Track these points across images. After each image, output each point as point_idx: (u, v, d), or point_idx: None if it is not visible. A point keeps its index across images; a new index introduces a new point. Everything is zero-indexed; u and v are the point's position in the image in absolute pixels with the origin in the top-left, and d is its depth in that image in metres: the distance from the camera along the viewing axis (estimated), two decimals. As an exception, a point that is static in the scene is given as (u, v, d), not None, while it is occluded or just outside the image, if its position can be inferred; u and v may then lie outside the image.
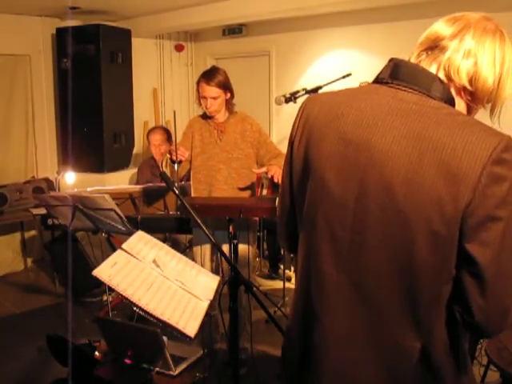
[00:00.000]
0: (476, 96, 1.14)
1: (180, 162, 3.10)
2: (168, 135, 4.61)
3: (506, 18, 3.84)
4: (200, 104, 3.23)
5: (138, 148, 5.61)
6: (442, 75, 1.14)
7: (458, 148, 1.01)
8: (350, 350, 1.19)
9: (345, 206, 1.12)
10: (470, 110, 1.18)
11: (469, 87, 1.12)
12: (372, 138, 1.09)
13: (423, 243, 1.04)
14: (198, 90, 3.22)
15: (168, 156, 3.17)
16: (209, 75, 3.17)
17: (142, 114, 5.84)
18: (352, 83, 4.47)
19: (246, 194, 3.26)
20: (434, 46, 1.18)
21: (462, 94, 1.15)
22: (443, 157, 1.01)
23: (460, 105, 1.16)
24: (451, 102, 1.12)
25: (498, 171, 0.99)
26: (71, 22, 5.09)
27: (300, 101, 3.25)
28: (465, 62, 1.11)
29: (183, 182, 3.76)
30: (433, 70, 1.15)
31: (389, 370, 1.16)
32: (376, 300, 1.13)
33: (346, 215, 1.12)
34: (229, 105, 3.25)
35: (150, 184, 3.85)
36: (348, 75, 3.43)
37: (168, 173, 3.26)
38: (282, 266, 4.94)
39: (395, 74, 1.17)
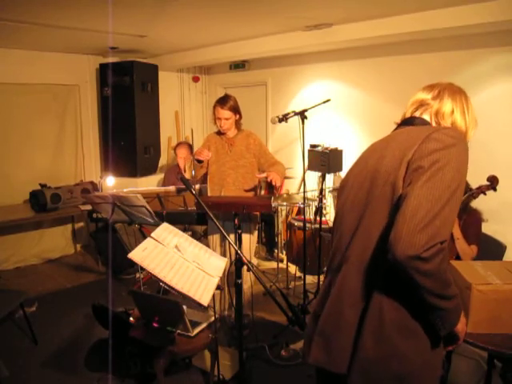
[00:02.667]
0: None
1: (202, 162, 3.19)
2: (191, 150, 4.61)
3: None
4: (215, 123, 3.25)
5: (163, 158, 5.60)
6: (433, 121, 1.40)
7: (413, 138, 1.27)
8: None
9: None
10: None
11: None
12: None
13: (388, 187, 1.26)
14: (214, 113, 3.24)
15: (195, 157, 3.17)
16: (223, 101, 3.18)
17: (167, 131, 5.82)
18: (330, 107, 4.47)
19: (250, 193, 3.27)
20: (421, 106, 1.42)
21: None
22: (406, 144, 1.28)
23: None
24: None
25: (427, 141, 1.22)
26: (111, 59, 5.08)
27: (290, 120, 3.26)
28: (447, 113, 1.38)
29: (202, 185, 3.77)
30: (427, 117, 1.41)
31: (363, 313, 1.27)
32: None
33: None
34: (238, 124, 3.27)
35: (172, 186, 3.85)
36: (327, 100, 3.42)
37: (189, 176, 3.26)
38: (276, 251, 4.94)
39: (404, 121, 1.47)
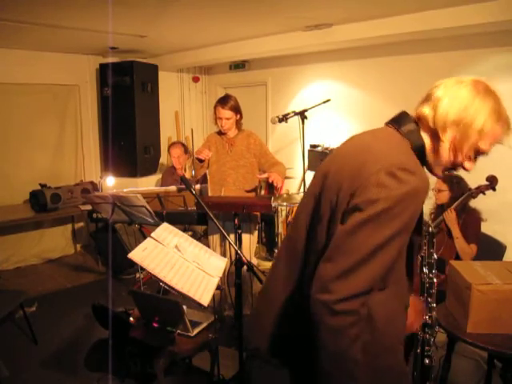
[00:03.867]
0: (438, 132, 1.15)
1: (203, 161, 3.18)
2: (185, 149, 4.59)
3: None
4: (216, 123, 3.25)
5: (163, 158, 5.59)
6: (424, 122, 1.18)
7: (369, 162, 1.10)
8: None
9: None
10: (437, 151, 1.18)
11: (432, 126, 1.16)
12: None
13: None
14: (214, 113, 3.23)
15: (195, 156, 3.17)
16: (223, 100, 3.18)
17: (167, 131, 5.82)
18: (330, 107, 4.48)
19: (250, 193, 3.26)
20: (426, 99, 1.22)
21: (430, 132, 1.18)
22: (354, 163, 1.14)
23: (430, 143, 1.20)
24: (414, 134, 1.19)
25: (374, 181, 1.05)
26: (111, 59, 5.07)
27: (290, 120, 3.26)
28: (429, 107, 1.17)
29: (203, 185, 3.76)
30: (423, 116, 1.19)
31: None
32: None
33: None
34: (238, 124, 3.27)
35: (172, 186, 3.85)
36: (327, 101, 3.43)
37: (189, 175, 3.26)
38: (276, 251, 4.94)
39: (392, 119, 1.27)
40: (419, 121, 1.18)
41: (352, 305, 1.00)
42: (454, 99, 1.11)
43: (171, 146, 4.68)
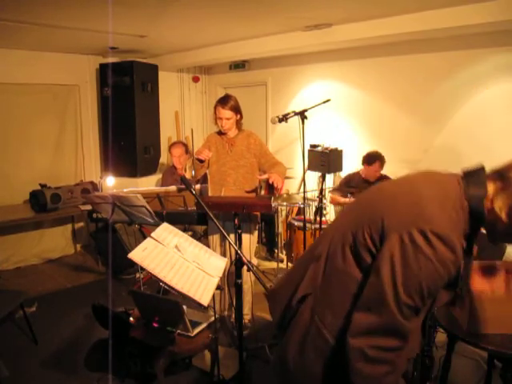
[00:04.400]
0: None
1: (203, 161, 3.17)
2: (186, 149, 4.59)
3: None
4: (216, 123, 3.24)
5: (163, 158, 5.60)
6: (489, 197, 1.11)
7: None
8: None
9: None
10: None
11: (506, 221, 1.09)
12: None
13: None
14: (214, 112, 3.22)
15: (195, 157, 3.17)
16: (224, 100, 3.17)
17: (167, 131, 5.82)
18: (330, 107, 4.47)
19: (250, 193, 3.26)
20: (503, 171, 1.14)
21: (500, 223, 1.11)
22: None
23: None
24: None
25: (405, 240, 1.04)
26: (111, 59, 5.07)
27: (290, 120, 3.25)
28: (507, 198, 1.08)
29: (203, 185, 3.76)
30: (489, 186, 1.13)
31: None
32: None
33: None
34: (238, 124, 3.26)
35: (172, 186, 3.85)
36: (327, 101, 3.42)
37: (189, 176, 3.25)
38: (276, 251, 4.94)
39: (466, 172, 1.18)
40: (490, 202, 1.11)
41: (388, 355, 1.04)
42: None
43: (172, 145, 4.68)
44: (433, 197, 1.09)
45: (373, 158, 4.11)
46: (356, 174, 4.31)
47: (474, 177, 1.14)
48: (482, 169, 1.16)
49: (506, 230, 1.10)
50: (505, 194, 1.09)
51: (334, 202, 4.50)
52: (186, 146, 4.66)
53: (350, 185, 4.23)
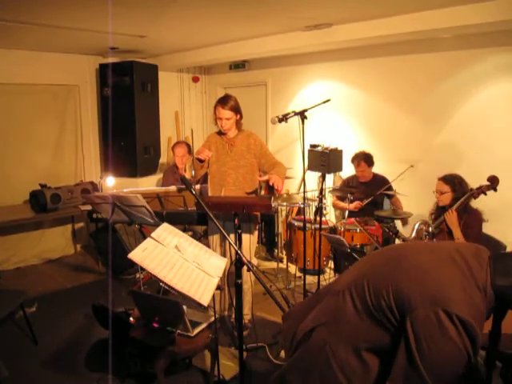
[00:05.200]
0: None
1: (203, 161, 3.17)
2: (189, 149, 4.60)
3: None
4: (216, 123, 3.24)
5: (163, 158, 5.60)
6: None
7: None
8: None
9: None
10: None
11: None
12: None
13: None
14: (214, 113, 3.22)
15: (195, 156, 3.16)
16: (224, 101, 3.17)
17: (167, 131, 5.82)
18: (330, 107, 4.47)
19: (250, 193, 3.26)
20: None
21: None
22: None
23: None
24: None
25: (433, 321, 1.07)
26: (111, 59, 5.07)
27: (290, 120, 3.25)
28: None
29: (203, 185, 3.76)
30: None
31: None
32: None
33: None
34: (238, 124, 3.26)
35: (172, 186, 3.85)
36: (327, 100, 3.42)
37: (189, 176, 3.25)
38: (276, 251, 4.94)
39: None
40: None
41: None
42: None
43: (175, 145, 4.69)
44: (458, 279, 1.11)
45: (356, 158, 4.13)
46: (354, 177, 4.33)
47: (501, 264, 1.14)
48: (510, 256, 1.17)
49: None
50: None
51: (335, 206, 4.51)
52: (189, 146, 4.66)
53: (349, 186, 4.24)
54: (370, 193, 4.06)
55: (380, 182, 4.14)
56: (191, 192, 2.15)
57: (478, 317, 1.08)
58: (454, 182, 2.97)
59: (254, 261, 3.61)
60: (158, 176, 5.44)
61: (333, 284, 1.39)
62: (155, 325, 2.41)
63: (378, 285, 1.20)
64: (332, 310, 1.28)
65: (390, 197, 4.17)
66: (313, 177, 4.77)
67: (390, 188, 4.09)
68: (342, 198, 4.40)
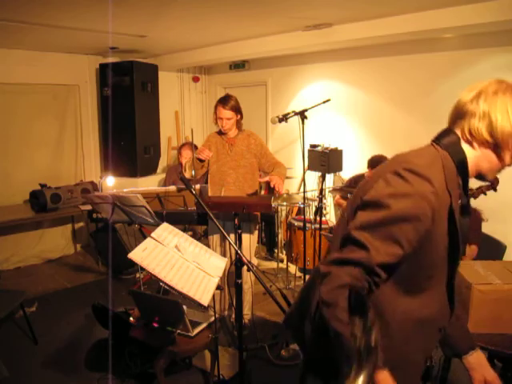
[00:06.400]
0: (500, 144, 1.13)
1: (204, 161, 3.19)
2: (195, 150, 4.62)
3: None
4: (216, 123, 3.25)
5: (163, 158, 5.60)
6: (465, 134, 1.16)
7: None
8: None
9: None
10: (500, 157, 1.16)
11: (490, 140, 1.12)
12: None
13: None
14: (215, 112, 3.23)
15: (196, 156, 3.17)
16: (224, 101, 3.18)
17: (167, 131, 5.82)
18: (330, 107, 4.48)
19: (250, 193, 3.26)
20: (458, 113, 1.19)
21: (487, 144, 1.14)
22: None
23: (486, 153, 1.16)
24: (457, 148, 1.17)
25: (381, 180, 1.12)
26: (111, 59, 5.07)
27: (290, 120, 3.26)
28: (481, 122, 1.11)
29: (203, 185, 3.75)
30: (458, 132, 1.18)
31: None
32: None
33: None
34: (239, 124, 3.27)
35: (172, 186, 3.85)
36: (327, 100, 3.42)
37: (189, 175, 3.25)
38: (276, 251, 4.94)
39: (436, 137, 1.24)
40: (469, 134, 1.16)
41: (339, 291, 1.05)
42: (504, 112, 1.10)
43: (182, 146, 4.77)
44: (409, 155, 1.17)
45: (376, 163, 4.12)
46: (361, 177, 4.32)
47: (442, 134, 1.22)
48: (447, 128, 1.23)
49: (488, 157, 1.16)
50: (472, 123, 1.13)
51: (339, 204, 4.51)
52: (196, 147, 4.67)
53: (354, 187, 4.24)
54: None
55: None
56: (191, 192, 2.15)
57: (440, 174, 1.12)
58: None
59: (254, 261, 3.61)
60: (158, 176, 5.44)
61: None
62: (155, 325, 2.41)
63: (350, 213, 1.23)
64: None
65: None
66: (313, 177, 4.77)
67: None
68: (345, 197, 4.40)
